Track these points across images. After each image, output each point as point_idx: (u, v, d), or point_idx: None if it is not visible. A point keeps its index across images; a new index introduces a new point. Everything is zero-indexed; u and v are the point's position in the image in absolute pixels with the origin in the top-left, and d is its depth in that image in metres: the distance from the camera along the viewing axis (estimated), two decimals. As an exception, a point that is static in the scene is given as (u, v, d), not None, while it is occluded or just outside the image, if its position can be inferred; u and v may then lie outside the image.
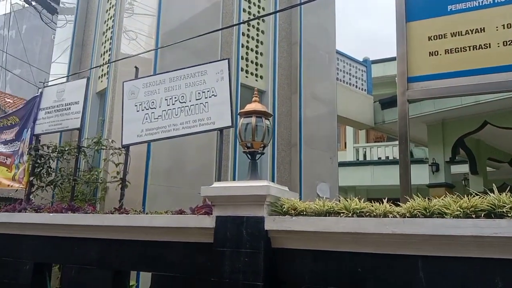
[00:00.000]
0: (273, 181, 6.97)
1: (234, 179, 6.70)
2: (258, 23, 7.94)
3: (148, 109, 4.59)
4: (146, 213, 3.78)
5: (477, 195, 2.37)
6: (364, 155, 17.34)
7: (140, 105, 4.65)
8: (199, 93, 4.35)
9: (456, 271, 2.28)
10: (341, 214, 2.64)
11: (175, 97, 4.46)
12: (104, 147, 5.83)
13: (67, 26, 8.61)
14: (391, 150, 16.42)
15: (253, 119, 3.46)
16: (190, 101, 4.38)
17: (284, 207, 2.89)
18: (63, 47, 8.53)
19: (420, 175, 11.36)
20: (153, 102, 4.58)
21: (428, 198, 2.50)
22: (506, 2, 3.21)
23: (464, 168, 12.40)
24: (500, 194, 2.30)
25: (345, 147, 18.44)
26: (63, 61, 8.37)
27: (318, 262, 2.70)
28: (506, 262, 2.17)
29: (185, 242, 3.27)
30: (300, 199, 3.02)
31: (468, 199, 2.36)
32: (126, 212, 3.84)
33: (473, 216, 2.27)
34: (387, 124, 11.73)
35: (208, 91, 4.31)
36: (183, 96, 4.43)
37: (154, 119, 4.52)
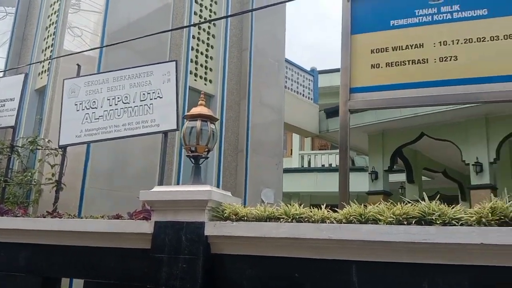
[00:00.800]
0: (218, 186, 6.93)
1: (178, 184, 6.58)
2: (209, 27, 7.90)
3: (88, 108, 4.41)
4: (81, 218, 3.62)
5: (409, 202, 2.46)
6: (309, 162, 17.68)
7: (80, 104, 4.46)
8: (144, 94, 4.25)
9: (388, 276, 2.36)
10: (281, 220, 2.66)
11: (118, 98, 4.32)
12: (40, 147, 5.56)
13: (6, 18, 8.16)
14: (335, 158, 16.85)
15: (198, 123, 3.40)
16: (134, 102, 4.26)
17: (225, 212, 2.86)
18: (1, 40, 8.06)
19: (361, 182, 11.73)
20: (94, 101, 4.41)
21: (365, 205, 2.57)
22: (443, 20, 3.39)
23: (402, 177, 12.95)
24: (431, 202, 2.41)
25: (291, 153, 18.71)
26: (0, 55, 7.91)
27: (257, 267, 2.70)
28: (433, 267, 2.27)
29: (121, 248, 3.15)
30: (245, 204, 3.01)
31: (401, 206, 2.45)
32: (59, 216, 3.66)
33: (405, 223, 2.35)
34: (331, 133, 12.02)
35: (153, 92, 4.21)
36: (126, 97, 4.30)
37: (95, 119, 4.35)
